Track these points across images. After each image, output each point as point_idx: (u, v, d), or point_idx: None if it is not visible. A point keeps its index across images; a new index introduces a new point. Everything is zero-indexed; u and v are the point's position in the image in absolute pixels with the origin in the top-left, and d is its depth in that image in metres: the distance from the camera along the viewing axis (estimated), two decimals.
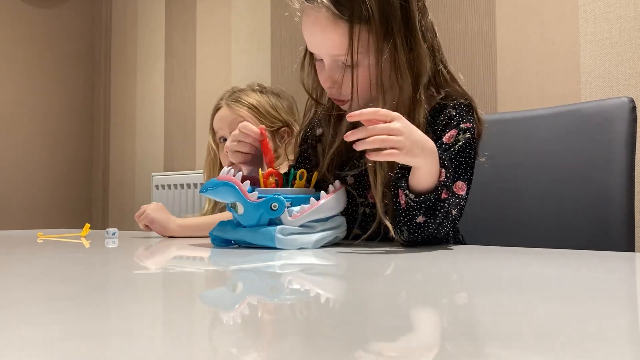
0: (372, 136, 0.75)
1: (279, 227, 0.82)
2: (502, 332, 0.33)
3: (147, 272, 0.66)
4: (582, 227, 1.07)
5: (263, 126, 0.97)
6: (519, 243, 0.92)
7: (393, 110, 0.82)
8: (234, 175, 0.83)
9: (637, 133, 1.06)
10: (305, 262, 0.70)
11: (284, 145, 1.42)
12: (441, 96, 0.94)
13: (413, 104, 0.88)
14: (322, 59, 0.92)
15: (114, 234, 1.18)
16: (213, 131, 1.50)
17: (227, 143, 0.97)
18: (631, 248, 1.03)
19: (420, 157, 0.78)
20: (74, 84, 3.25)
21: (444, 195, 0.81)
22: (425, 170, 0.79)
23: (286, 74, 2.17)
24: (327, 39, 0.87)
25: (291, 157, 1.32)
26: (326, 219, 0.87)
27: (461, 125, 0.91)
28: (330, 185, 0.88)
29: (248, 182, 0.83)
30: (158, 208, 1.20)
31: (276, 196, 0.82)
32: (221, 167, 1.43)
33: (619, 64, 1.40)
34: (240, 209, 0.83)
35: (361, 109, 0.80)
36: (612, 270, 0.64)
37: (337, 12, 0.85)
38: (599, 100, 1.12)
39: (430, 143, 0.80)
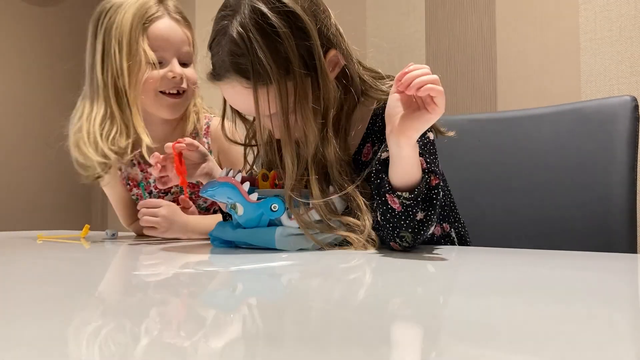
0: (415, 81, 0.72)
1: (279, 228, 0.82)
2: (501, 333, 0.33)
3: (146, 273, 0.66)
4: (583, 227, 1.07)
5: (178, 145, 0.96)
6: (519, 243, 0.92)
7: (301, 159, 0.84)
8: (234, 177, 0.83)
9: (639, 132, 1.06)
10: (304, 263, 0.70)
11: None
12: (375, 105, 0.93)
13: (322, 143, 0.86)
14: None
15: (113, 234, 1.18)
16: (131, 43, 1.13)
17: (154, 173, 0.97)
18: (633, 249, 1.03)
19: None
20: (73, 83, 3.25)
21: (435, 181, 0.78)
22: (414, 159, 0.77)
23: None
24: (253, 106, 0.84)
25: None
26: None
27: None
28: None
29: (248, 183, 0.83)
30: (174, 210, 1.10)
31: (276, 197, 0.82)
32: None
33: (620, 62, 1.39)
34: (240, 210, 0.84)
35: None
36: (613, 271, 0.64)
37: (249, 79, 0.81)
38: (601, 99, 1.11)
39: None
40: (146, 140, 1.13)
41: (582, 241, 1.04)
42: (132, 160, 1.22)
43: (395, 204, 0.78)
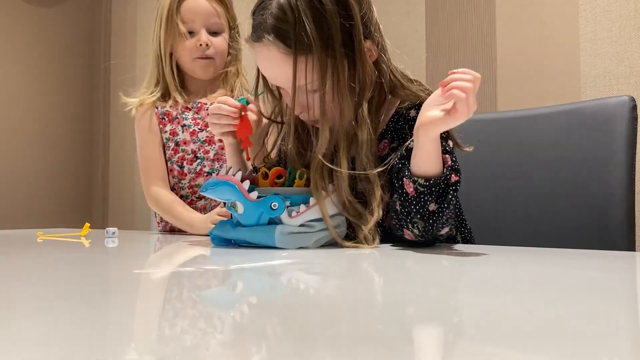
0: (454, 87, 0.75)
1: (279, 226, 0.82)
2: (501, 332, 0.33)
3: (147, 272, 0.66)
4: (583, 226, 1.07)
5: (247, 104, 1.00)
6: (518, 242, 0.92)
7: (334, 133, 0.87)
8: (234, 175, 0.83)
9: (638, 132, 1.06)
10: (304, 262, 0.70)
11: (235, 46, 1.38)
12: (398, 103, 0.96)
13: (356, 123, 0.88)
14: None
15: (113, 233, 1.18)
16: (181, 20, 1.33)
17: (209, 118, 1.00)
18: (631, 247, 1.03)
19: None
20: (73, 83, 3.25)
21: (454, 178, 0.80)
22: (432, 153, 0.79)
23: None
24: (285, 73, 0.87)
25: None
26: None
27: None
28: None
29: (248, 181, 0.83)
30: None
31: (276, 196, 0.82)
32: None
33: (619, 62, 1.40)
34: (240, 209, 0.83)
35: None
36: (613, 269, 0.64)
37: (287, 46, 0.85)
38: (599, 99, 1.12)
39: None
40: (178, 97, 1.37)
41: (581, 240, 1.04)
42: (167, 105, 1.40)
43: (409, 188, 0.80)
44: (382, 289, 0.52)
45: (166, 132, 1.36)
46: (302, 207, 0.84)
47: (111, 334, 0.33)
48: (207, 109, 1.32)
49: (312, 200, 0.85)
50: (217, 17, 1.35)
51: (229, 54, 1.38)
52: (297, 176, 0.90)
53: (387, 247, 0.84)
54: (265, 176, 0.90)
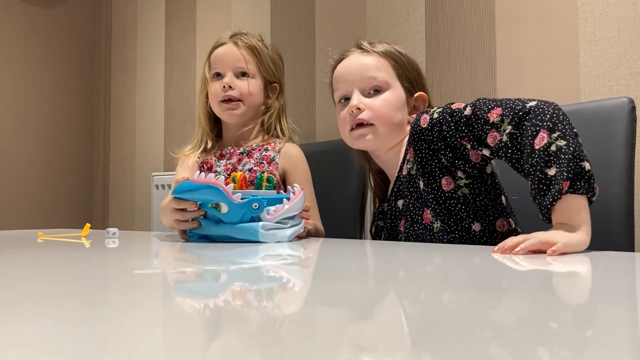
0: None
1: (260, 223, 0.95)
2: (499, 331, 0.34)
3: (147, 272, 0.66)
4: None
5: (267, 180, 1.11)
6: None
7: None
8: (216, 179, 0.96)
9: (637, 133, 1.06)
10: (306, 262, 0.70)
11: (274, 99, 1.45)
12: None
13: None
14: (346, 99, 1.17)
15: (114, 233, 1.18)
16: (209, 66, 1.46)
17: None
18: (631, 248, 1.03)
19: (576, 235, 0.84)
20: (74, 84, 3.25)
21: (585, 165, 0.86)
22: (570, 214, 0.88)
23: (286, 73, 2.17)
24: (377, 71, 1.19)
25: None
26: (293, 217, 1.02)
27: (453, 107, 1.02)
28: (296, 187, 1.04)
29: (232, 184, 0.98)
30: None
31: (256, 197, 0.97)
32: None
33: (619, 64, 1.40)
34: (225, 209, 0.96)
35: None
36: (612, 270, 0.64)
37: (392, 61, 1.19)
38: (599, 101, 1.12)
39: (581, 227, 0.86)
40: (210, 142, 1.45)
41: None
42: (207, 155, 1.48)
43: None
44: (382, 289, 0.52)
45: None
46: (278, 207, 0.99)
47: (111, 334, 0.33)
48: (239, 154, 1.40)
49: (284, 201, 1.00)
50: (245, 63, 1.40)
51: (264, 103, 1.43)
52: (265, 179, 1.07)
53: (391, 245, 0.84)
54: (234, 180, 1.05)
